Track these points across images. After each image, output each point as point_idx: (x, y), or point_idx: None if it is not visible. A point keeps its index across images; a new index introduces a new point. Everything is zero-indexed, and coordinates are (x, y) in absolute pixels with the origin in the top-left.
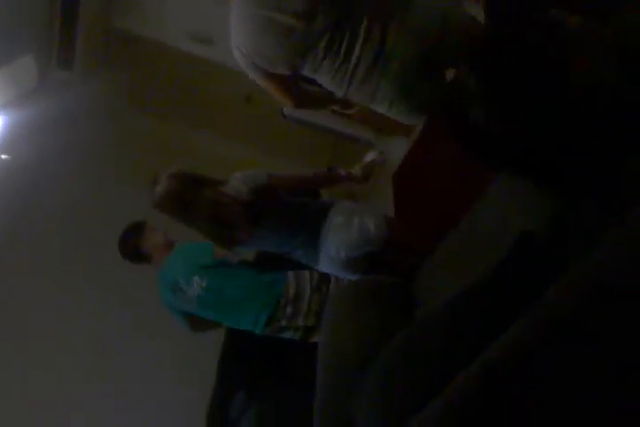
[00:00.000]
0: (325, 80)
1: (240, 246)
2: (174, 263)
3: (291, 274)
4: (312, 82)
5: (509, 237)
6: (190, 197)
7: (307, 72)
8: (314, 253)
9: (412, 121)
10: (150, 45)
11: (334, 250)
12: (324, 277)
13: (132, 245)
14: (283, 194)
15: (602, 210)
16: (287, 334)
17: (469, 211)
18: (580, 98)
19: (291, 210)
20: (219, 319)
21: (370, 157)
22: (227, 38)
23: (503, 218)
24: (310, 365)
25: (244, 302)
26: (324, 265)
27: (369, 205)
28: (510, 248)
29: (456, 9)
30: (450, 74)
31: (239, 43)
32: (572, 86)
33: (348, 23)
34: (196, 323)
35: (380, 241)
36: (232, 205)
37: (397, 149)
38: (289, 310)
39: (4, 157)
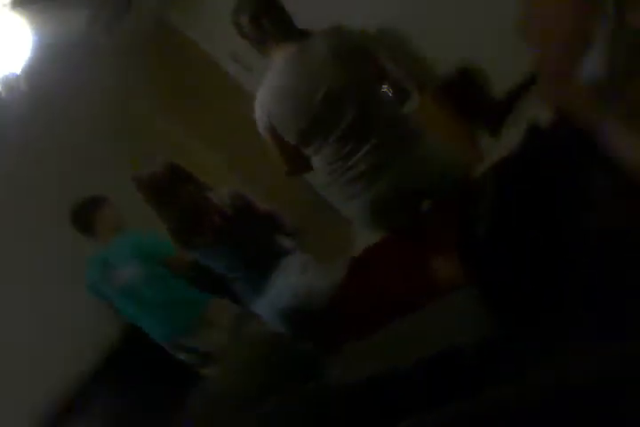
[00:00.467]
0: (319, 164)
1: (192, 252)
2: (123, 243)
3: (216, 300)
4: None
5: (445, 342)
6: (175, 188)
7: (309, 150)
8: (254, 291)
9: (368, 231)
10: (191, 48)
11: (277, 294)
12: (247, 317)
13: (86, 216)
14: (257, 222)
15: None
16: (182, 355)
17: (420, 309)
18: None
19: (257, 241)
20: (127, 312)
21: None
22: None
23: (447, 326)
24: None
25: (159, 308)
26: (259, 306)
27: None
28: (437, 353)
29: (459, 159)
30: (426, 204)
31: (265, 98)
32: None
33: (363, 130)
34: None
35: (323, 302)
36: (211, 211)
37: None
38: (198, 332)
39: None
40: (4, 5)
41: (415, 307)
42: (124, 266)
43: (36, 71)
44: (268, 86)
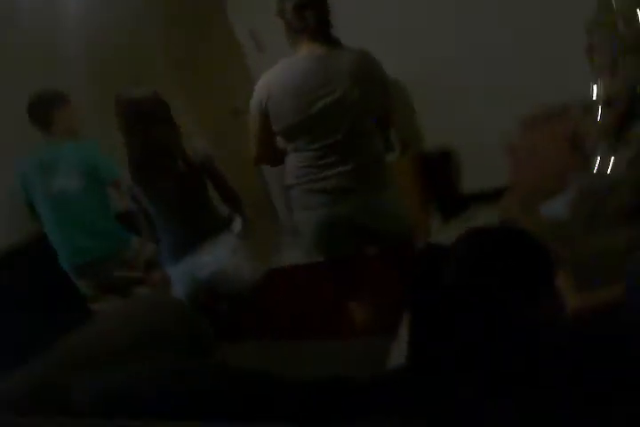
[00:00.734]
0: (292, 164)
1: (138, 187)
2: (75, 151)
3: (135, 243)
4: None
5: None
6: (153, 120)
7: (289, 146)
8: (176, 250)
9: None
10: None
11: (200, 264)
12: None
13: (46, 110)
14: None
15: None
16: (80, 282)
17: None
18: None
19: (205, 204)
20: (46, 220)
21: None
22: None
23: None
24: None
25: (80, 229)
26: (174, 267)
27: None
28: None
29: (408, 219)
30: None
31: (272, 81)
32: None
33: (347, 151)
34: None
35: (245, 289)
36: (177, 156)
37: None
38: (106, 267)
39: None
40: None
41: (316, 335)
42: (65, 174)
43: None
44: (280, 74)
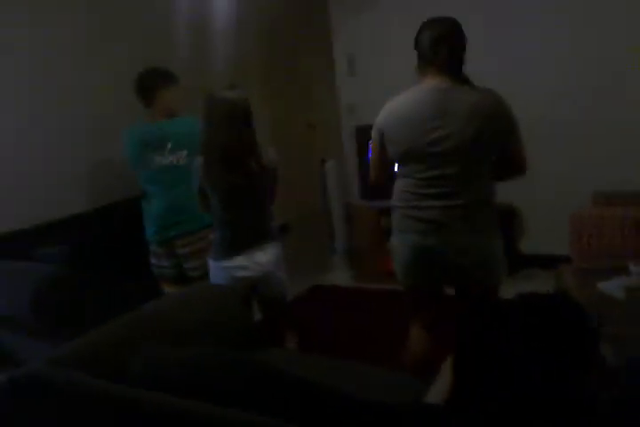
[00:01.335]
0: (398, 187)
1: (207, 179)
2: (180, 126)
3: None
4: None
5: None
6: (242, 121)
7: (398, 169)
8: (229, 246)
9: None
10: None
11: (243, 263)
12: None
13: (151, 85)
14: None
15: None
16: (164, 261)
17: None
18: None
19: (261, 210)
20: (146, 190)
21: None
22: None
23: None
24: None
25: (171, 205)
26: (219, 263)
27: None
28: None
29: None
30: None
31: (394, 109)
32: None
33: (455, 189)
34: None
35: (283, 297)
36: (254, 156)
37: None
38: (178, 251)
39: None
40: None
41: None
42: (172, 150)
43: None
44: (403, 102)
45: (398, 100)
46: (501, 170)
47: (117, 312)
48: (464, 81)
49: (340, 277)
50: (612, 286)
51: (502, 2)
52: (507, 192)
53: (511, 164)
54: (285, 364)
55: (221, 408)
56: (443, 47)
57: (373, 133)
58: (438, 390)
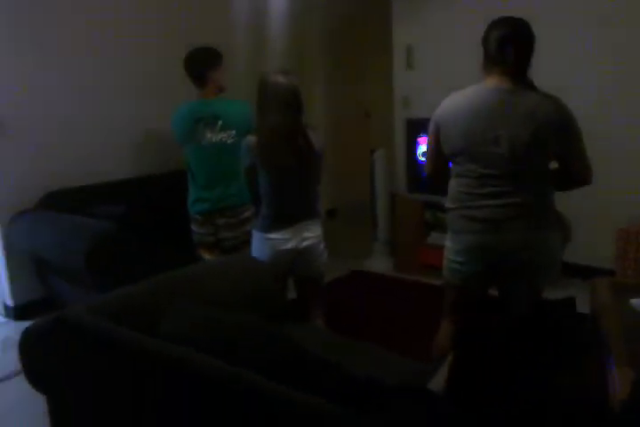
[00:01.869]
0: (453, 187)
1: (260, 157)
2: (231, 107)
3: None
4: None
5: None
6: (294, 104)
7: (453, 169)
8: (271, 223)
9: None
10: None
11: (285, 238)
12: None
13: (201, 66)
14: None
15: None
16: (196, 227)
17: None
18: None
19: (308, 190)
20: (192, 163)
21: None
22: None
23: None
24: None
25: (217, 180)
26: (262, 239)
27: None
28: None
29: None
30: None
31: (452, 106)
32: None
33: (511, 187)
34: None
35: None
36: (303, 138)
37: None
38: (220, 222)
39: None
40: None
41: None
42: (222, 129)
43: None
44: (462, 100)
45: (457, 97)
46: (560, 180)
47: (158, 272)
48: (527, 84)
49: (379, 264)
50: None
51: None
52: (556, 200)
53: (571, 174)
54: (308, 340)
55: (243, 371)
56: (508, 48)
57: (430, 127)
58: (439, 381)
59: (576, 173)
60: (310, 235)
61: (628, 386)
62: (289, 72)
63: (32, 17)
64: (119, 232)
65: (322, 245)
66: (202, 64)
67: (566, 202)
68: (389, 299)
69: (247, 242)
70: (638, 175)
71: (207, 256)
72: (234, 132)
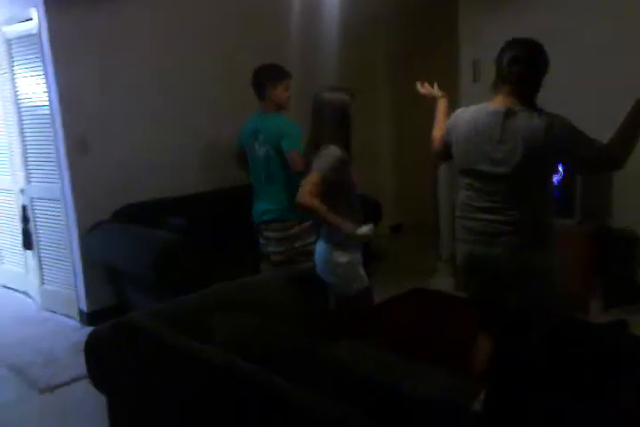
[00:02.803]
0: (460, 198)
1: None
2: (280, 124)
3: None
4: None
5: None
6: (343, 126)
7: (460, 179)
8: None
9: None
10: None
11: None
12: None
13: (263, 81)
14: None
15: None
16: (261, 240)
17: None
18: None
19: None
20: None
21: (365, 229)
22: None
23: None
24: None
25: (265, 192)
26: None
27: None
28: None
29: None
30: None
31: (461, 119)
32: None
33: (505, 205)
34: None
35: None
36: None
37: None
38: (269, 234)
39: None
40: None
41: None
42: (262, 142)
43: None
44: (471, 115)
45: (465, 113)
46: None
47: (221, 281)
48: (531, 105)
49: (441, 282)
50: None
51: None
52: (631, 219)
53: (591, 167)
54: (352, 357)
55: (285, 383)
56: (516, 69)
57: (445, 130)
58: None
59: (598, 166)
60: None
61: None
62: (337, 89)
63: (112, 31)
64: (185, 243)
65: (332, 268)
66: (262, 78)
67: None
68: (448, 317)
69: (299, 256)
70: None
71: (264, 267)
72: (269, 147)
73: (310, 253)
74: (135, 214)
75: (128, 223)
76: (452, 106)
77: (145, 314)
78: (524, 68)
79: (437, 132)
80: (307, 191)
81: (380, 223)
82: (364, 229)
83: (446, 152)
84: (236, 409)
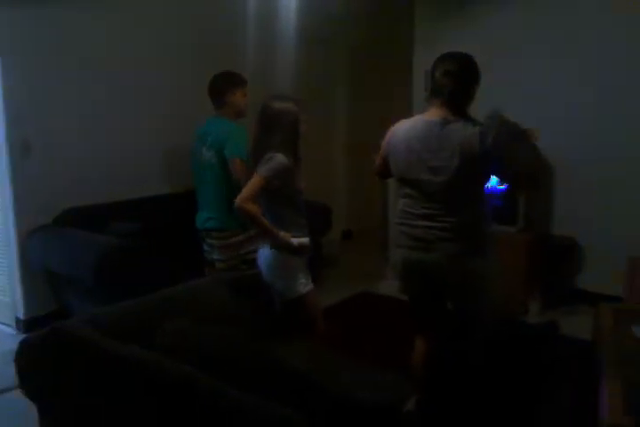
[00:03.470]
0: (399, 205)
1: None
2: (229, 129)
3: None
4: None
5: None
6: (292, 136)
7: (399, 189)
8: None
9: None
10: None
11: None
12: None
13: (221, 88)
14: None
15: None
16: (204, 246)
17: None
18: None
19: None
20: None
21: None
22: None
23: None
24: None
25: (206, 199)
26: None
27: None
28: None
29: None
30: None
31: (399, 131)
32: None
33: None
34: None
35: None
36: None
37: None
38: (212, 242)
39: None
40: None
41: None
42: (208, 147)
43: None
44: (406, 129)
45: (403, 126)
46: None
47: (165, 287)
48: (463, 116)
49: (389, 286)
50: None
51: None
52: (570, 226)
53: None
54: (296, 359)
55: (223, 385)
56: (448, 81)
57: (384, 142)
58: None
59: (519, 184)
60: (261, 259)
61: (618, 410)
62: (286, 98)
63: (52, 33)
64: (128, 248)
65: (274, 271)
66: (221, 84)
67: (580, 229)
68: (389, 320)
69: (240, 264)
70: None
71: (209, 273)
72: (213, 150)
73: (253, 261)
74: (80, 218)
75: (71, 227)
76: (407, 113)
77: (80, 320)
78: (455, 80)
79: (379, 159)
80: (246, 196)
81: (331, 229)
82: (301, 241)
83: (389, 170)
84: (170, 414)
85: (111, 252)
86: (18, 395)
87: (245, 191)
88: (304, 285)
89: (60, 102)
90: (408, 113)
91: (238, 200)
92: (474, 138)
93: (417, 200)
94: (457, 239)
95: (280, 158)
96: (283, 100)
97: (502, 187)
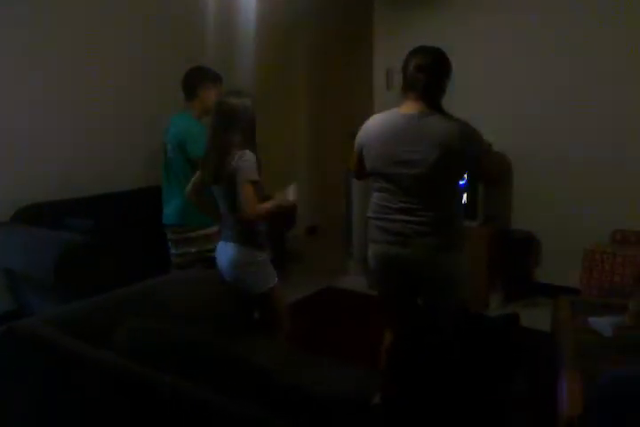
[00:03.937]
0: (373, 199)
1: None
2: (189, 126)
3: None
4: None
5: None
6: (229, 125)
7: (373, 183)
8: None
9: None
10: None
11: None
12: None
13: (194, 80)
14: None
15: None
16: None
17: None
18: None
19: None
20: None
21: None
22: None
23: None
24: None
25: (173, 193)
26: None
27: None
28: None
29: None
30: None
31: (372, 126)
32: None
33: (421, 207)
34: None
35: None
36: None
37: None
38: (179, 242)
39: None
40: None
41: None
42: (170, 143)
43: None
44: (380, 123)
45: (377, 120)
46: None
47: (127, 285)
48: (437, 109)
49: (353, 281)
50: (602, 323)
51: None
52: (528, 221)
53: (482, 179)
54: (260, 354)
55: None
56: (422, 75)
57: (355, 146)
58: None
59: (486, 179)
60: (224, 258)
61: (577, 402)
62: (241, 93)
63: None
64: (88, 245)
65: (242, 268)
66: (191, 81)
67: (537, 223)
68: (353, 314)
69: (196, 262)
70: (606, 199)
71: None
72: (174, 146)
73: (209, 260)
74: (36, 216)
75: (29, 225)
76: (368, 111)
77: (39, 319)
78: (428, 74)
79: (354, 158)
80: (252, 206)
81: (295, 225)
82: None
83: (365, 167)
84: (130, 416)
85: (72, 250)
86: None
87: (248, 203)
88: (273, 277)
89: (13, 101)
90: (369, 109)
91: (250, 214)
92: (453, 133)
93: (394, 194)
94: (435, 234)
95: (250, 155)
96: (239, 96)
97: (462, 182)
